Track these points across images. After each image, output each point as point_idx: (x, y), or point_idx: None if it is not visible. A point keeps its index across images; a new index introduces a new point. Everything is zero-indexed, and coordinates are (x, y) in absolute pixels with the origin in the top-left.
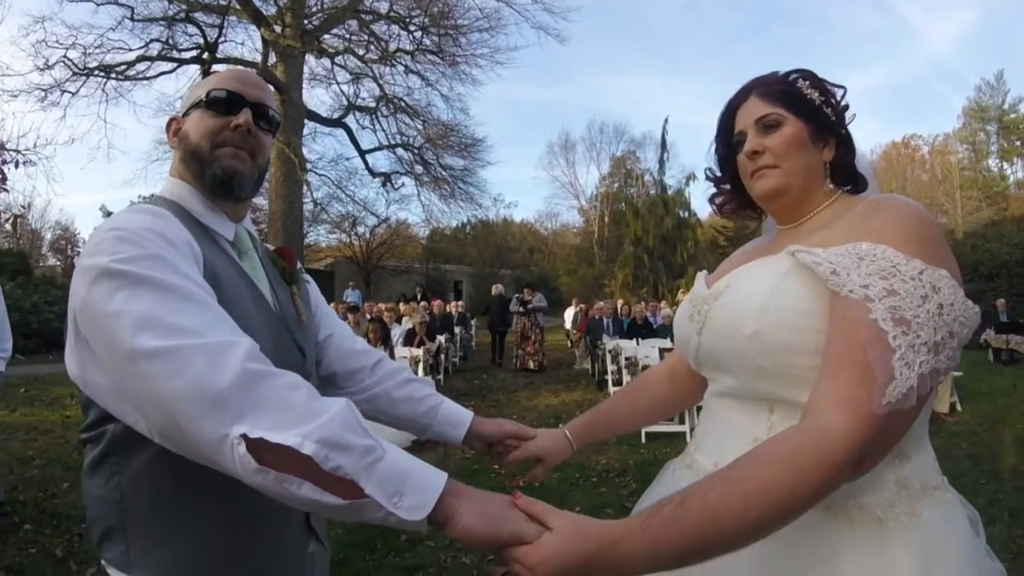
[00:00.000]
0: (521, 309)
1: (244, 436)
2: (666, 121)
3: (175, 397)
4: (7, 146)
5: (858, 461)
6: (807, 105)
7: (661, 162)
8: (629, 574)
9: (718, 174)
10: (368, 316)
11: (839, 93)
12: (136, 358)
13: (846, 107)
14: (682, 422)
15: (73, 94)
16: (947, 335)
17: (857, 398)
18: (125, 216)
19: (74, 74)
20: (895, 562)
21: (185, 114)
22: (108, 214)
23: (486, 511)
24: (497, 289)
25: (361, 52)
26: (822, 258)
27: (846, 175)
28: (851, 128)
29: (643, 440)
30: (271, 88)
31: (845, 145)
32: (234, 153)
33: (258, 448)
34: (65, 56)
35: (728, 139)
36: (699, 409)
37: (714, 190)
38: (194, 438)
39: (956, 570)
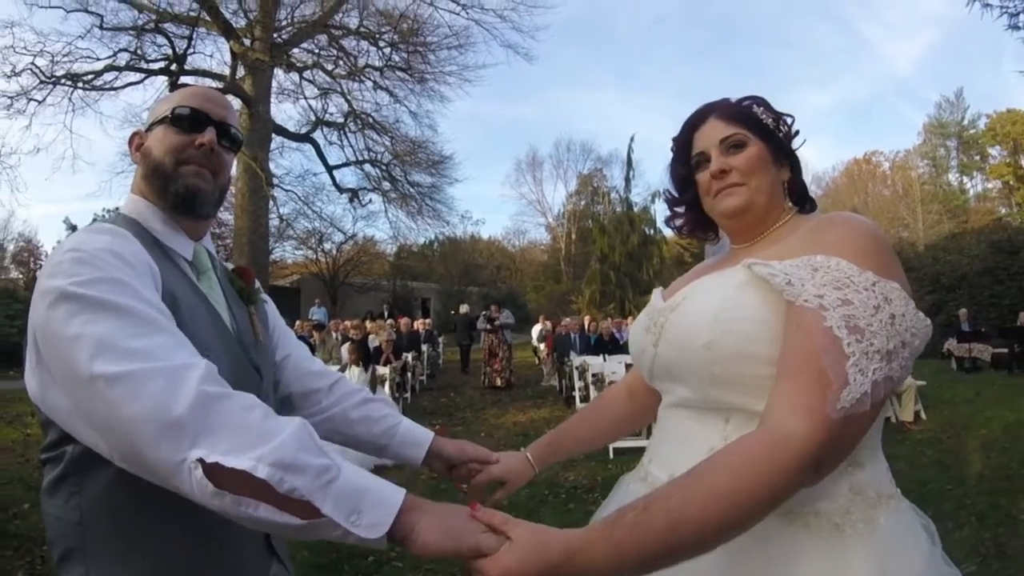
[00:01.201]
0: (488, 326)
1: (201, 460)
2: (632, 139)
3: (133, 421)
4: None
5: (816, 465)
6: (764, 127)
7: (627, 180)
8: None
9: (675, 195)
10: (335, 334)
11: (788, 120)
12: (94, 382)
13: (796, 133)
14: (648, 437)
15: (39, 102)
16: (899, 344)
17: (812, 403)
18: (84, 236)
19: (41, 82)
20: (852, 568)
21: (148, 129)
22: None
23: (445, 525)
24: (463, 308)
25: (330, 67)
26: (777, 270)
27: (801, 195)
28: (814, 145)
29: (611, 456)
30: (235, 106)
31: (796, 167)
32: (197, 171)
33: (214, 472)
34: (33, 63)
35: (686, 159)
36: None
37: (670, 211)
38: (152, 462)
39: (910, 574)
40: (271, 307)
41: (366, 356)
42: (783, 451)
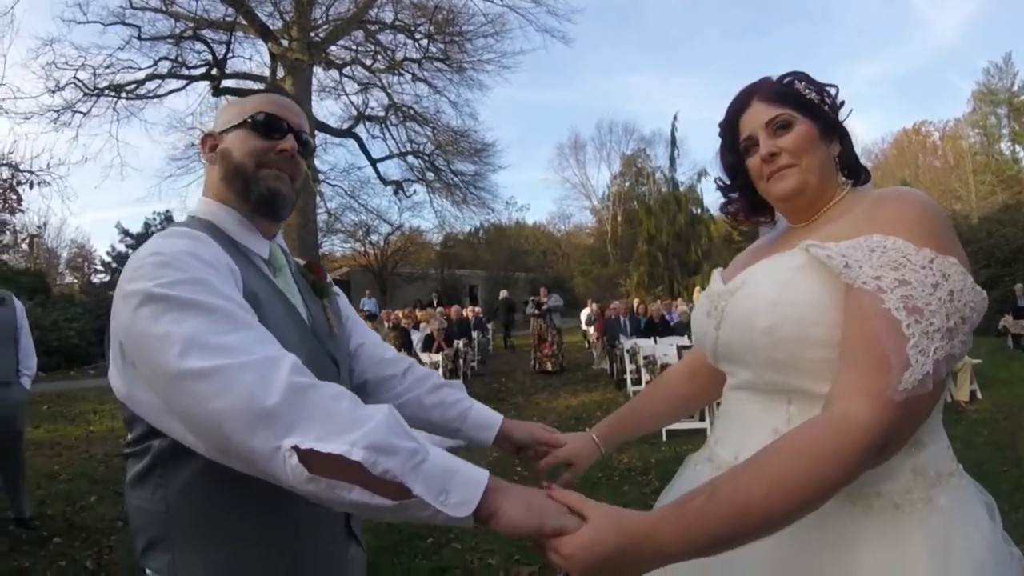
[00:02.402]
0: (536, 311)
1: (295, 448)
2: (675, 118)
3: (225, 413)
4: (21, 167)
5: (880, 448)
6: (810, 104)
7: (672, 159)
8: (661, 562)
9: (727, 182)
10: (386, 324)
11: (832, 91)
12: (184, 378)
13: (842, 103)
14: (702, 419)
15: (85, 114)
16: (959, 321)
17: (875, 387)
18: (163, 240)
19: (85, 94)
20: (912, 547)
21: (224, 132)
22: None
23: (529, 504)
24: (503, 294)
25: (368, 62)
26: (835, 252)
27: (853, 168)
28: (862, 117)
29: (664, 438)
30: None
31: (846, 139)
32: (277, 175)
33: (309, 458)
34: (75, 77)
35: (734, 146)
36: (718, 405)
37: (724, 199)
38: (246, 452)
39: (972, 554)
40: (343, 299)
41: (407, 343)
42: (847, 436)
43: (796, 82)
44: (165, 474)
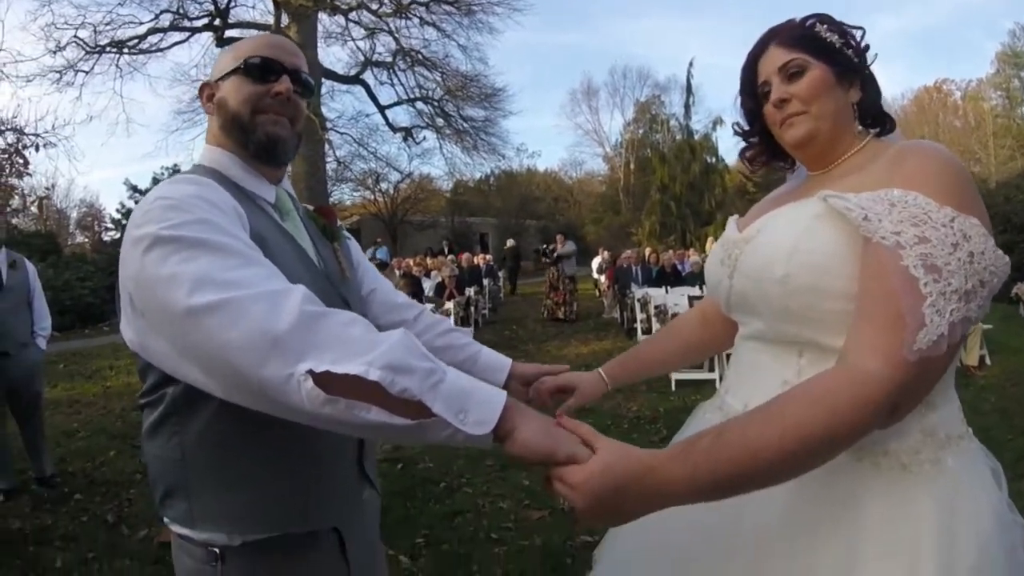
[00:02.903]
0: (548, 259)
1: (310, 372)
2: (691, 64)
3: (236, 345)
4: (26, 131)
5: (892, 406)
6: (828, 48)
7: (687, 107)
8: (664, 502)
9: (746, 128)
10: (397, 272)
11: (858, 34)
12: (194, 314)
13: (867, 47)
14: (711, 369)
15: (87, 73)
16: (977, 283)
17: (889, 345)
18: (169, 187)
19: (86, 53)
20: (919, 507)
21: (220, 80)
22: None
23: (546, 428)
24: (509, 242)
25: (375, 6)
26: (854, 203)
27: (874, 116)
28: (883, 71)
29: (673, 388)
30: (301, 52)
31: (870, 85)
32: (275, 120)
33: (325, 380)
34: (75, 36)
35: (753, 91)
36: (728, 357)
37: (743, 144)
38: (258, 382)
39: (977, 517)
40: (353, 244)
41: (418, 291)
42: (861, 389)
43: (818, 24)
44: (180, 421)
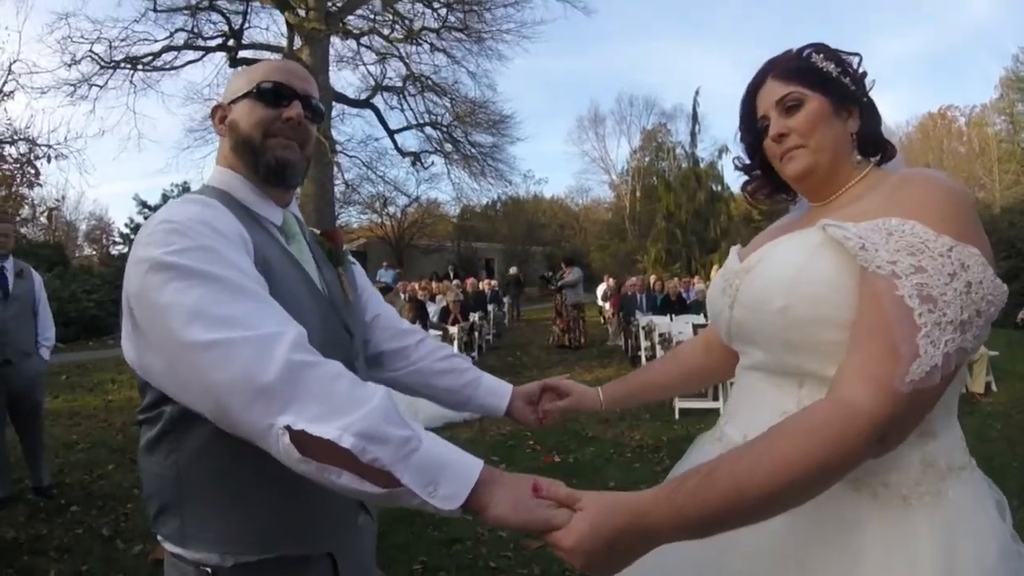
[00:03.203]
0: (552, 287)
1: (288, 427)
2: (697, 92)
3: (223, 386)
4: (39, 142)
5: (881, 437)
6: (825, 78)
7: (693, 135)
8: (657, 543)
9: (747, 161)
10: (402, 295)
11: (855, 61)
12: (186, 349)
13: (864, 74)
14: (715, 398)
15: (101, 87)
16: (974, 314)
17: (881, 375)
18: (176, 207)
19: (101, 67)
20: (918, 540)
21: (232, 102)
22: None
23: (518, 499)
24: (513, 270)
25: (386, 32)
26: (852, 232)
27: (874, 144)
28: (887, 97)
29: (676, 416)
30: (313, 79)
31: (869, 113)
32: (285, 144)
33: (301, 439)
34: (91, 50)
35: (752, 125)
36: (732, 385)
37: (745, 178)
38: (241, 425)
39: (978, 550)
40: (358, 269)
41: (423, 315)
42: (850, 422)
43: (814, 54)
44: (176, 439)
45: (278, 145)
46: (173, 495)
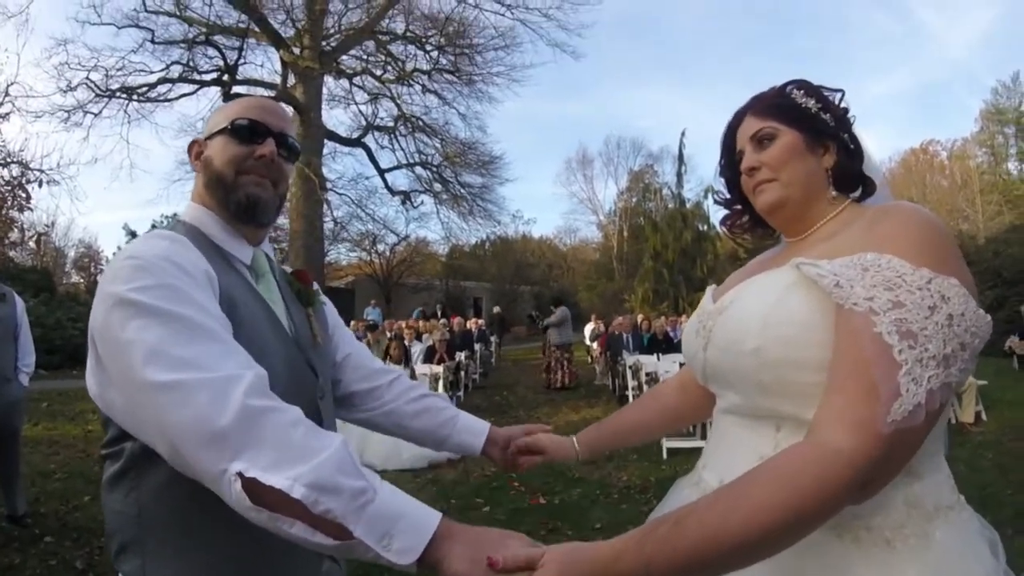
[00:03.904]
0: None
1: (240, 475)
2: (683, 134)
3: (177, 429)
4: (31, 166)
5: (863, 483)
6: (801, 114)
7: (679, 175)
8: None
9: (727, 196)
10: (388, 334)
11: (837, 97)
12: (144, 388)
13: (846, 110)
14: (703, 438)
15: (96, 115)
16: (958, 347)
17: (861, 416)
18: (143, 243)
19: (96, 96)
20: None
21: (208, 138)
22: (132, 233)
23: (476, 556)
24: (496, 310)
25: (379, 72)
26: (826, 270)
27: (850, 180)
28: (872, 135)
29: (664, 456)
30: (291, 116)
31: (847, 149)
32: (257, 181)
33: (252, 487)
34: (87, 78)
35: (731, 160)
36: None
37: (725, 212)
38: (195, 469)
39: None
40: (330, 308)
41: (406, 355)
42: (828, 468)
43: (795, 90)
44: (137, 477)
45: (250, 182)
46: (134, 533)
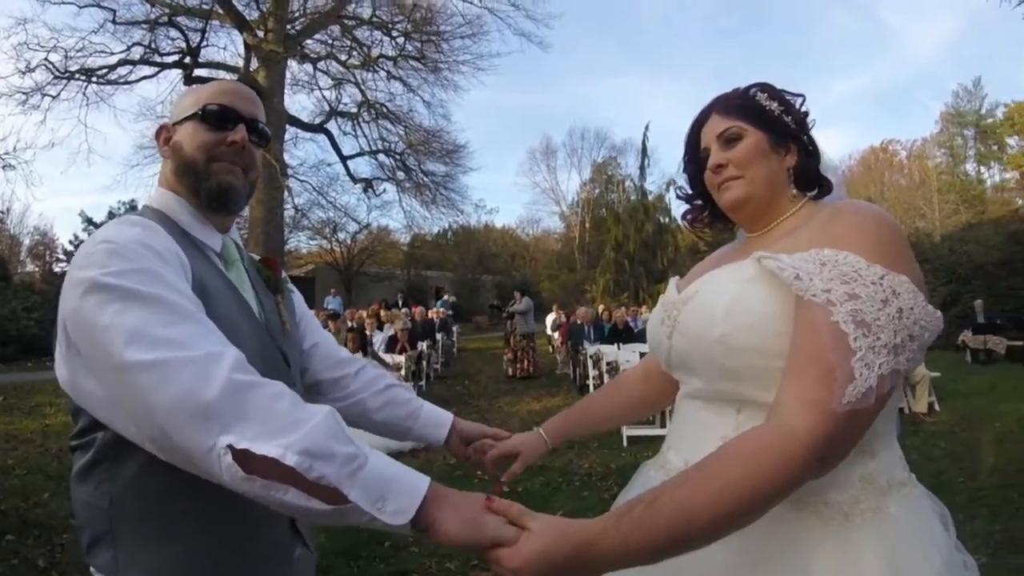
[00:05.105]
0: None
1: (230, 447)
2: (647, 127)
3: (164, 408)
4: None
5: (820, 458)
6: (766, 116)
7: (642, 168)
8: (605, 571)
9: (689, 191)
10: (349, 324)
11: (798, 101)
12: (126, 370)
13: (806, 114)
14: (663, 426)
15: (54, 97)
16: (907, 338)
17: (819, 398)
18: (115, 228)
19: (55, 77)
20: (862, 555)
21: (177, 124)
22: (88, 219)
23: (466, 516)
24: (451, 299)
25: (343, 58)
26: (786, 263)
27: (809, 180)
28: (836, 133)
29: (624, 444)
30: (261, 102)
31: (807, 151)
32: (229, 168)
33: (244, 458)
34: (46, 59)
35: (695, 156)
36: (671, 413)
37: (686, 207)
38: (183, 448)
39: (922, 563)
40: (297, 296)
41: (364, 344)
42: (788, 445)
43: (759, 93)
44: (109, 468)
45: (221, 170)
46: (106, 525)
